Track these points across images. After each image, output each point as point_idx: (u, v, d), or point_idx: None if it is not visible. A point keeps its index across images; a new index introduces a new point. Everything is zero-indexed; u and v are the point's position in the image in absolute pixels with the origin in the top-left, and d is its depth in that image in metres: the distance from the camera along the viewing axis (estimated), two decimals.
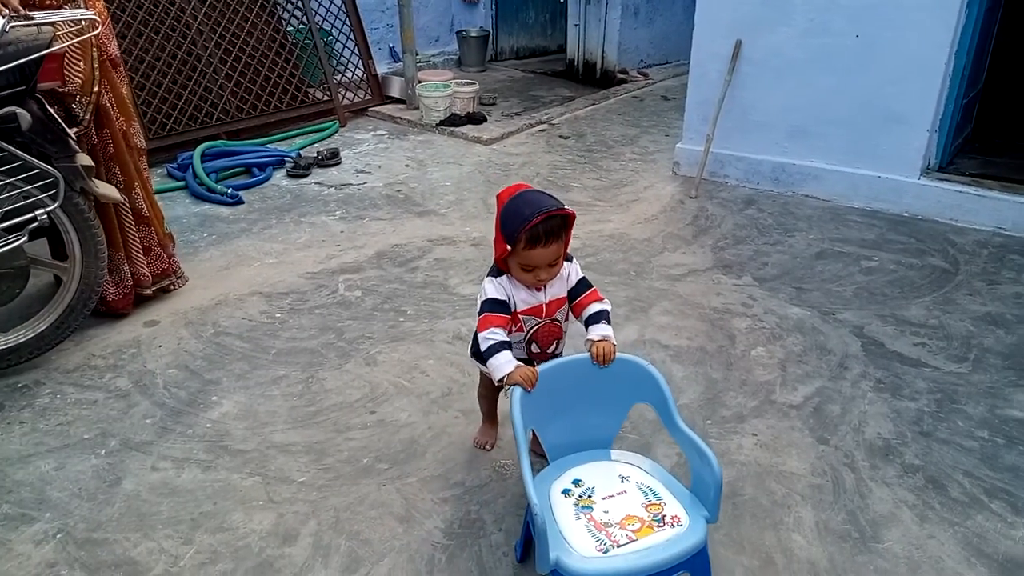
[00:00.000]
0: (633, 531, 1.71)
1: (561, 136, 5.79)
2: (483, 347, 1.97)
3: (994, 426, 2.54)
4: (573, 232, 1.98)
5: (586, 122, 6.19)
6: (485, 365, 1.98)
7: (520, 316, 2.02)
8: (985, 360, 2.90)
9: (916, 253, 3.76)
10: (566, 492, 1.85)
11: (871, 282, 3.49)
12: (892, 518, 2.17)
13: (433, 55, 8.20)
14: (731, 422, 2.57)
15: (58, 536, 2.10)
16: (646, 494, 1.83)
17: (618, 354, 1.95)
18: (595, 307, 2.05)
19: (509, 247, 1.89)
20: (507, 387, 1.90)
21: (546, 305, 2.03)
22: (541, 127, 6.01)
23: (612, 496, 1.83)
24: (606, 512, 1.77)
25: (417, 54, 7.89)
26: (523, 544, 2.01)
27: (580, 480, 1.89)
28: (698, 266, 3.68)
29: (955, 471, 2.35)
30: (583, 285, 2.08)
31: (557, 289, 2.04)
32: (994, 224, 3.97)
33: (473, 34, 7.96)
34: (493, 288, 2.00)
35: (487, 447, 2.43)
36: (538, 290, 2.01)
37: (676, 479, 1.88)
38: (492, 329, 1.96)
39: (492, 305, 1.99)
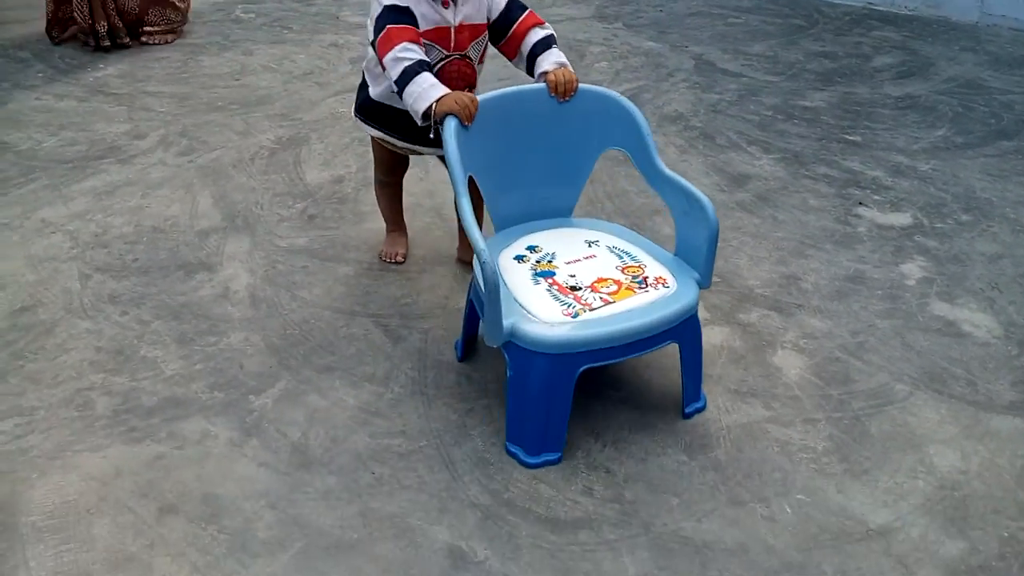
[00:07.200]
0: (609, 293, 1.39)
1: None
2: (395, 73, 1.43)
3: (780, 109, 2.89)
4: None
5: None
6: (401, 97, 1.46)
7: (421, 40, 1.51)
8: (800, 76, 3.22)
9: (782, 16, 4.02)
10: (519, 258, 1.50)
11: (728, 31, 3.77)
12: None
13: None
14: None
15: None
16: (621, 256, 1.50)
17: (581, 85, 1.53)
18: (537, 33, 1.56)
19: None
20: (438, 120, 1.42)
21: (454, 30, 1.54)
22: None
23: (579, 260, 1.48)
24: (572, 276, 1.44)
25: None
26: (464, 342, 1.62)
27: (536, 246, 1.53)
28: (577, 15, 3.94)
29: (729, 131, 2.71)
30: (514, 8, 1.59)
31: (471, 10, 1.56)
32: (865, 1, 4.21)
33: None
34: None
35: (397, 259, 1.93)
36: (445, 5, 1.53)
37: (656, 244, 1.58)
38: (402, 45, 1.42)
39: (394, 15, 1.46)
